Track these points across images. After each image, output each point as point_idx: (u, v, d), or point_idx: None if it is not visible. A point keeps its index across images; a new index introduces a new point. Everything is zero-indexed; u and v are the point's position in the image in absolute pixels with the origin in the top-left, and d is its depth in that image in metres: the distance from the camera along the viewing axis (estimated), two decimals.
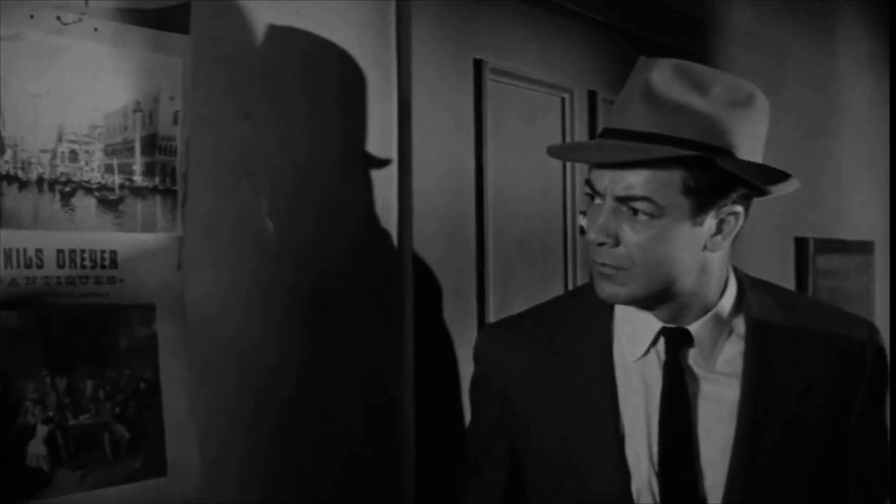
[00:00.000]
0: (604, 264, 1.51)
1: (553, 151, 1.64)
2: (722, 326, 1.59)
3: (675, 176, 1.45)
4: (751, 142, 1.51)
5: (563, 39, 2.87)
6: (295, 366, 1.99)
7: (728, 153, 1.47)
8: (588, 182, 1.52)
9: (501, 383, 1.65)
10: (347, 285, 2.12)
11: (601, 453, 1.56)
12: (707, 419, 1.56)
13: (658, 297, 1.54)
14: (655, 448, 1.55)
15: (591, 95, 2.98)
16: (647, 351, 1.59)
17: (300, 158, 2.00)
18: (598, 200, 1.51)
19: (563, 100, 2.89)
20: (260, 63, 1.91)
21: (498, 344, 1.69)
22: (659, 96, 1.48)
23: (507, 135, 2.64)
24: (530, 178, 2.74)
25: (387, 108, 2.22)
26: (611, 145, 1.48)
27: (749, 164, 1.49)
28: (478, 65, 2.52)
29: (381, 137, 2.20)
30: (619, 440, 1.56)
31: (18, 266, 1.47)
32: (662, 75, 1.50)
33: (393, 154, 2.22)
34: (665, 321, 1.58)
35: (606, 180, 1.48)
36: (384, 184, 2.21)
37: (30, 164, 1.47)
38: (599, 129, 1.79)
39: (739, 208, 1.52)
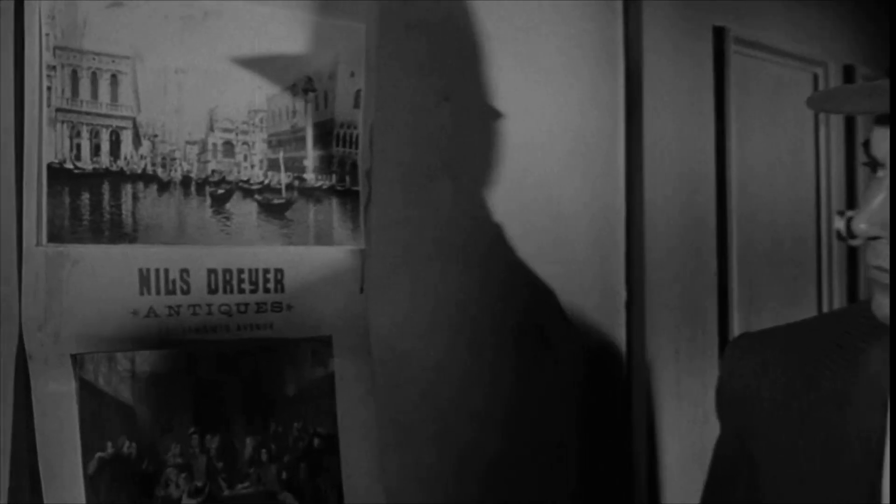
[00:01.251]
0: (879, 268, 1.17)
1: (814, 101, 1.27)
2: None
3: None
4: None
5: (815, 5, 2.75)
6: (507, 412, 1.89)
7: None
8: (865, 145, 1.19)
9: (739, 416, 1.40)
10: (570, 309, 2.02)
11: None
12: None
13: None
14: None
15: (848, 70, 2.84)
16: None
17: (511, 152, 1.89)
18: (879, 172, 1.18)
19: (815, 76, 2.80)
20: (461, 33, 1.81)
21: (742, 363, 1.41)
22: None
23: (752, 116, 2.55)
24: (778, 167, 2.64)
25: (612, 86, 2.13)
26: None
27: None
28: (718, 33, 2.42)
29: (606, 122, 2.11)
30: None
31: (158, 292, 1.33)
32: None
33: (620, 142, 2.14)
34: None
35: (887, 143, 1.16)
36: (609, 179, 2.13)
37: (173, 159, 1.34)
38: None
39: None
